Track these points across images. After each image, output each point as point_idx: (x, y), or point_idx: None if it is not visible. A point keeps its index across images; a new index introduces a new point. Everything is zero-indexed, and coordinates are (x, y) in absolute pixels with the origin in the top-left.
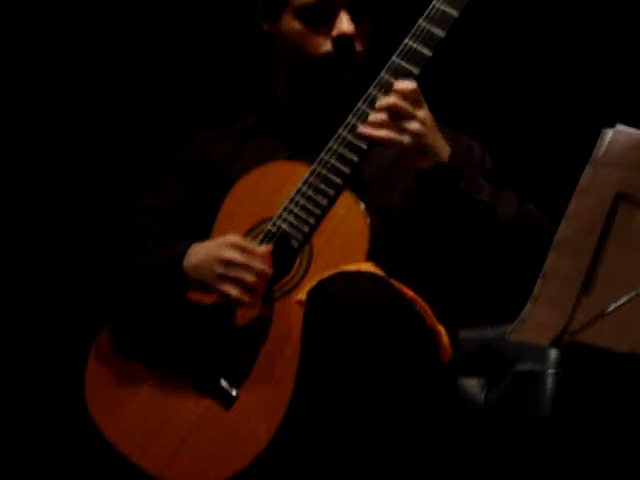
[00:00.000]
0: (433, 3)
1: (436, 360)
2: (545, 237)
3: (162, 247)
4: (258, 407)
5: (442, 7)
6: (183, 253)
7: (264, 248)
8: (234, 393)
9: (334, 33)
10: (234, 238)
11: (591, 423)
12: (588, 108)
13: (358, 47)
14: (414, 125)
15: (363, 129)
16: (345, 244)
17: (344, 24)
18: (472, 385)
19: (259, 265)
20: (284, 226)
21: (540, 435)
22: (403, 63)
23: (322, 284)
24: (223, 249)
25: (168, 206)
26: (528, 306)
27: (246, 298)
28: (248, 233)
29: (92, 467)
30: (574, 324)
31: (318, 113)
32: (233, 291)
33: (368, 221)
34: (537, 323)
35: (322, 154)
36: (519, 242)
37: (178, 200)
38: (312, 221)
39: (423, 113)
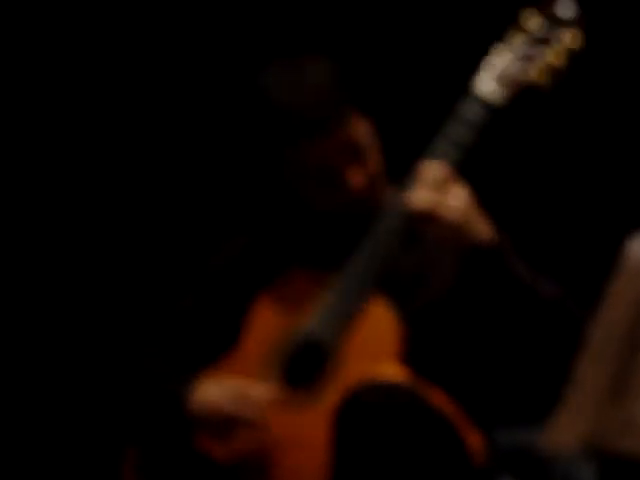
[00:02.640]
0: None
1: (468, 466)
2: (581, 320)
3: (168, 381)
4: None
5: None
6: (186, 397)
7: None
8: None
9: (342, 193)
10: (238, 389)
11: None
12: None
13: (368, 181)
14: (451, 209)
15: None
16: (374, 348)
17: (353, 181)
18: None
19: (261, 420)
20: (314, 332)
21: None
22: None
23: (353, 396)
24: (227, 405)
25: (195, 309)
26: (558, 412)
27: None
28: (277, 342)
29: None
30: (605, 432)
31: (338, 229)
32: (236, 447)
33: (397, 324)
34: (567, 429)
35: (348, 264)
36: (561, 321)
37: (205, 309)
38: (341, 326)
39: (459, 197)
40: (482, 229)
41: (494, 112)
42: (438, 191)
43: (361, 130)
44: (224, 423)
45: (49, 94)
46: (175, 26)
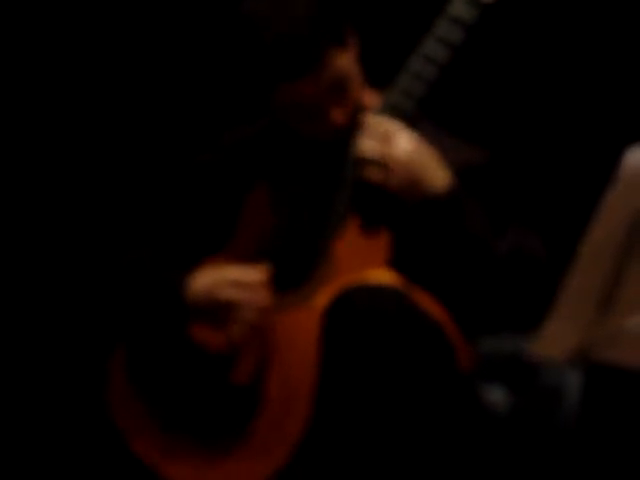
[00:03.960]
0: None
1: (455, 372)
2: (535, 279)
3: (162, 273)
4: (278, 422)
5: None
6: (182, 286)
7: (263, 276)
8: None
9: (327, 127)
10: (233, 273)
11: (613, 439)
12: (613, 124)
13: (351, 112)
14: (395, 164)
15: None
16: (365, 249)
17: (336, 117)
18: (495, 394)
19: (261, 300)
20: (303, 230)
21: (561, 447)
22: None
23: (343, 297)
24: (223, 290)
25: (178, 222)
26: (547, 322)
27: (246, 337)
28: (264, 241)
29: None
30: (594, 341)
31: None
32: (234, 336)
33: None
34: (556, 338)
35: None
36: (510, 280)
37: (188, 215)
38: (332, 225)
39: (402, 147)
40: (436, 177)
41: (481, 11)
42: (386, 143)
43: (345, 63)
44: (222, 307)
45: (49, 94)
46: None
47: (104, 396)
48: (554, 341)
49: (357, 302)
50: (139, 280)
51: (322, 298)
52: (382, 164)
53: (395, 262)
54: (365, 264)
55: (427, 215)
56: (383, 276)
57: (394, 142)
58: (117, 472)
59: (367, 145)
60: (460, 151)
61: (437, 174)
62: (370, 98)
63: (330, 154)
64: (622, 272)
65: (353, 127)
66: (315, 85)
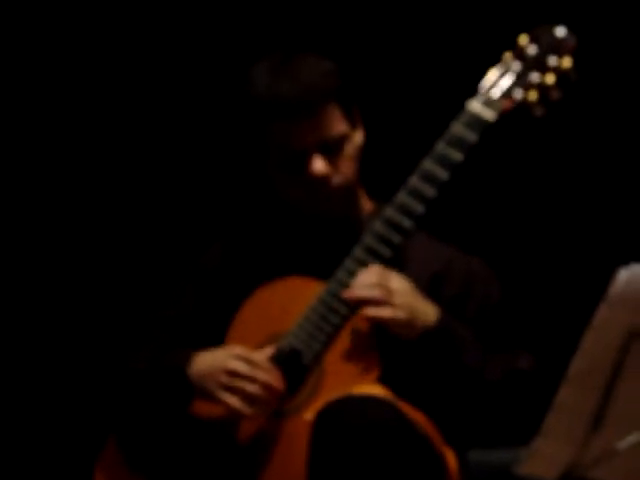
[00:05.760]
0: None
1: None
2: (528, 398)
3: (167, 355)
4: None
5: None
6: (188, 360)
7: (268, 359)
8: None
9: (306, 176)
10: (240, 349)
11: None
12: (602, 242)
13: (335, 181)
14: (396, 300)
15: (365, 312)
16: (356, 365)
17: (316, 166)
18: None
19: (263, 377)
20: (296, 343)
21: None
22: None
23: (331, 407)
24: (228, 359)
25: (183, 316)
26: (537, 439)
27: (248, 410)
28: (260, 347)
29: None
30: (583, 460)
31: (326, 232)
32: (236, 403)
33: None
34: (546, 457)
35: (337, 272)
36: (501, 403)
37: (194, 309)
38: (324, 339)
39: (396, 285)
40: (427, 314)
41: (486, 131)
42: (384, 282)
43: (339, 129)
44: (227, 373)
45: (49, 93)
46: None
47: None
48: (544, 459)
49: (345, 411)
50: (144, 367)
51: (311, 411)
52: (384, 302)
53: (384, 379)
54: (356, 378)
55: (418, 347)
56: (372, 389)
57: (391, 282)
58: None
59: (363, 290)
60: (453, 258)
61: (428, 309)
62: (366, 203)
63: (332, 239)
64: (613, 391)
65: (352, 213)
66: (300, 129)
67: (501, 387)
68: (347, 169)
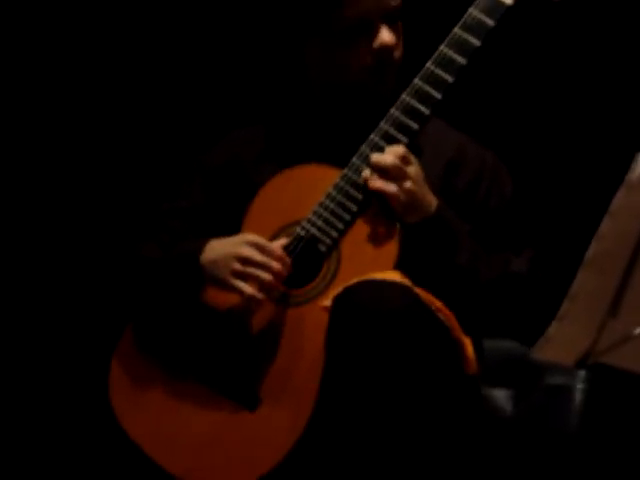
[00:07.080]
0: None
1: (461, 371)
2: (522, 301)
3: (181, 243)
4: (280, 413)
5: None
6: (201, 248)
7: (281, 248)
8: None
9: (376, 45)
10: (253, 236)
11: (617, 440)
12: (623, 129)
13: (396, 55)
14: (408, 184)
15: (371, 182)
16: (374, 252)
17: (385, 35)
18: (500, 396)
19: (276, 264)
20: (313, 230)
21: (565, 449)
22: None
23: (348, 292)
24: (241, 246)
25: (195, 207)
26: (553, 325)
27: (259, 295)
28: (276, 236)
29: (115, 466)
30: (599, 345)
31: (349, 121)
32: (247, 288)
33: (398, 229)
34: (562, 342)
35: (353, 159)
36: (495, 305)
37: (206, 201)
38: (341, 226)
39: (414, 171)
40: (430, 205)
41: (504, 16)
42: (404, 163)
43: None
44: (239, 260)
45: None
46: None
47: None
48: (560, 344)
49: (363, 296)
50: (159, 255)
51: (329, 298)
52: (398, 179)
53: (408, 262)
54: (374, 265)
55: (416, 234)
56: (391, 275)
57: (410, 166)
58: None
59: (388, 158)
60: (469, 147)
61: (431, 200)
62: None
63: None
64: (631, 276)
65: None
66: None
67: (494, 287)
68: (401, 50)
